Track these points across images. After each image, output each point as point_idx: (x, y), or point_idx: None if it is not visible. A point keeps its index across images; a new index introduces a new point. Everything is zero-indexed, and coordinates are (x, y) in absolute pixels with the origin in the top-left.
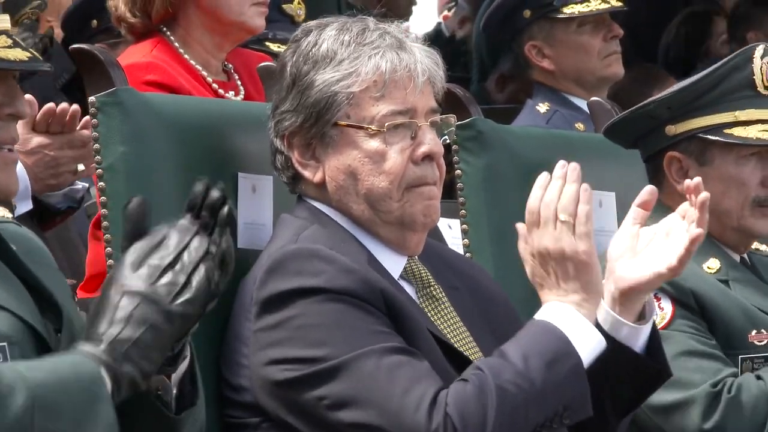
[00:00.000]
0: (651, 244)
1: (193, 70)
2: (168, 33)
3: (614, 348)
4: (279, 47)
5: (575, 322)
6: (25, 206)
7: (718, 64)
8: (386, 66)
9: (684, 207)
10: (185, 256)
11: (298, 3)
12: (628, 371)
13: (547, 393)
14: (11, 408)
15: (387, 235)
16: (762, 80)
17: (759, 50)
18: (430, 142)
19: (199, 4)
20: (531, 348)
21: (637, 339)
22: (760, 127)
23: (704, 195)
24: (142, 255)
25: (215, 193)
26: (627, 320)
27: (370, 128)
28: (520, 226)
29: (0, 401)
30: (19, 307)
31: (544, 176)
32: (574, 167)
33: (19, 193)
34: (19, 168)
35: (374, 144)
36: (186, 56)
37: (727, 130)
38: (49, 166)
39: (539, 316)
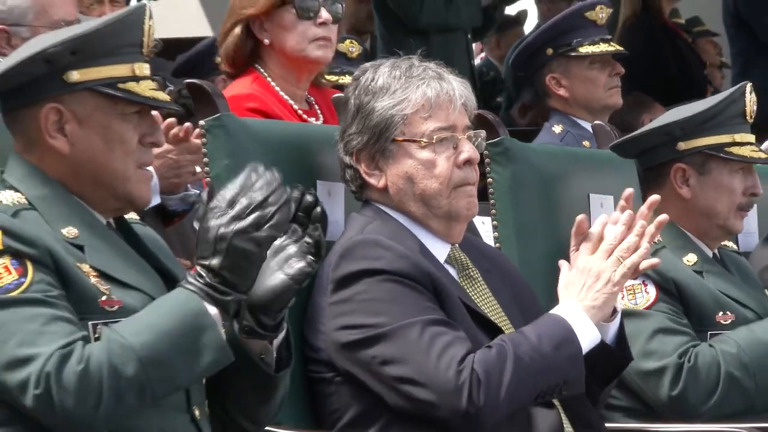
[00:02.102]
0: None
1: (283, 100)
2: (262, 70)
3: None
4: (334, 78)
5: (581, 320)
6: (154, 200)
7: (722, 96)
8: (431, 92)
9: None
10: (271, 198)
11: (350, 42)
12: (602, 357)
13: (553, 367)
14: (126, 375)
15: (436, 226)
16: (750, 111)
17: (749, 87)
18: (469, 150)
19: (273, 49)
20: (544, 331)
21: (608, 332)
22: (750, 147)
23: (663, 216)
24: (234, 195)
25: (309, 197)
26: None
27: (422, 141)
28: (563, 262)
29: (116, 373)
30: (151, 289)
31: (612, 214)
32: (643, 224)
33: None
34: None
35: (425, 154)
36: (277, 89)
37: (727, 149)
38: (172, 167)
39: (555, 310)
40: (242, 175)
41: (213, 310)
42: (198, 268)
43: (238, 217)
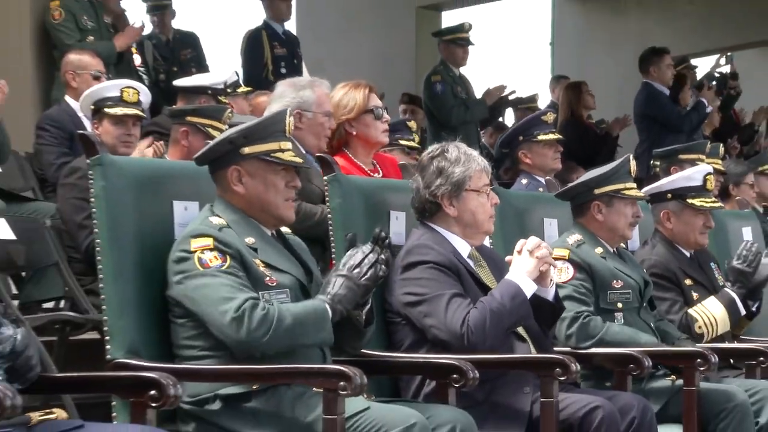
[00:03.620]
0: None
1: (358, 165)
2: (347, 151)
3: (540, 299)
4: (403, 142)
5: (523, 279)
6: None
7: (617, 163)
8: (482, 165)
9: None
10: (366, 262)
11: (413, 122)
12: (546, 309)
13: (512, 312)
14: (285, 324)
15: (473, 239)
16: (633, 170)
17: (631, 157)
18: (495, 197)
19: (359, 138)
20: (504, 291)
21: (548, 294)
22: (635, 190)
23: (544, 251)
24: (346, 260)
25: (383, 234)
26: (543, 286)
27: (480, 191)
28: (509, 258)
29: (280, 321)
30: (296, 273)
31: (537, 241)
32: (546, 251)
33: None
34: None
35: (482, 199)
36: (354, 159)
37: (622, 192)
38: None
39: (508, 276)
40: (352, 252)
41: (329, 314)
42: (327, 294)
43: (350, 270)
